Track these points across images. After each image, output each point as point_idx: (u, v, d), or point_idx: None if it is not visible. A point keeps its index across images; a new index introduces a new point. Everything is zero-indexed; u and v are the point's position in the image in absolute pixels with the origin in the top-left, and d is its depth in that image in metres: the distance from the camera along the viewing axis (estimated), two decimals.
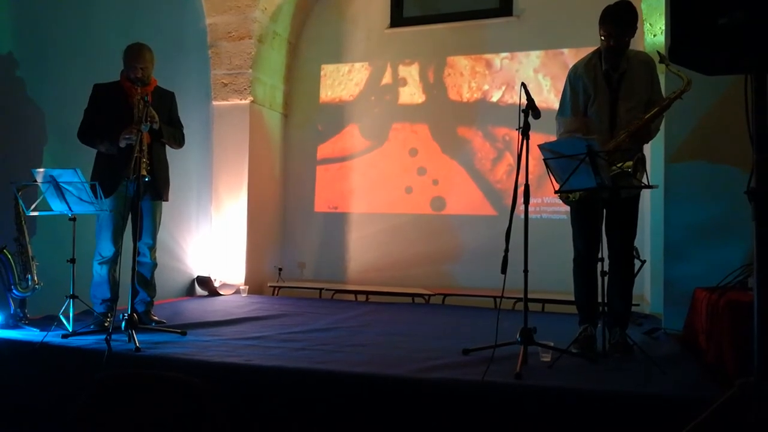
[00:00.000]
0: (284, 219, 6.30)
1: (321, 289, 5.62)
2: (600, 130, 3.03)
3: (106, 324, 3.40)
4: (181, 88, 4.37)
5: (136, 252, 3.46)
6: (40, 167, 3.42)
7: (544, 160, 2.86)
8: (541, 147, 2.87)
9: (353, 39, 6.14)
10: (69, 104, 3.77)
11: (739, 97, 1.94)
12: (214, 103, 5.73)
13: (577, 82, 3.15)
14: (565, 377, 2.53)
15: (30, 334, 3.26)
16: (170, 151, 3.85)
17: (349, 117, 6.12)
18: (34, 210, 3.33)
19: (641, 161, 2.84)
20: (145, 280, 3.73)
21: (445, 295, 5.26)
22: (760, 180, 1.84)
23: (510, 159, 5.56)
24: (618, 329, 3.07)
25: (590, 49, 3.20)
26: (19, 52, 3.83)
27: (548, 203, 5.36)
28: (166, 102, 3.77)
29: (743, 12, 1.72)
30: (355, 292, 5.50)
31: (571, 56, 5.26)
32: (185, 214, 5.34)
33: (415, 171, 5.88)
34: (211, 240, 5.67)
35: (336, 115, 6.16)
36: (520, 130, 2.88)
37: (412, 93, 5.92)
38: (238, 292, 5.54)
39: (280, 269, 6.04)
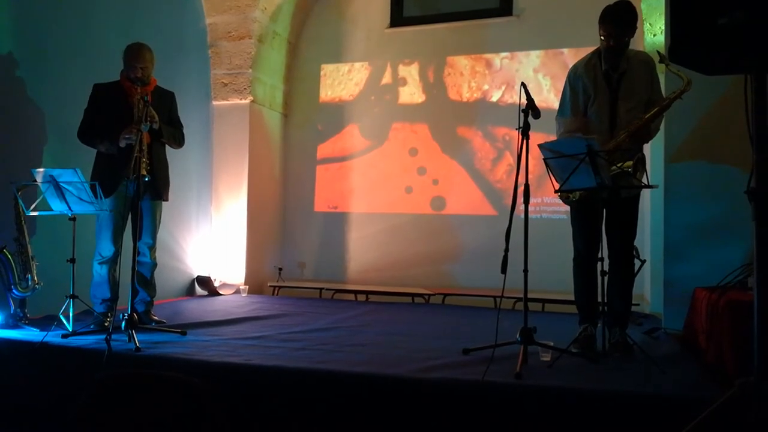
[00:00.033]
0: (284, 219, 6.30)
1: (321, 289, 5.62)
2: (600, 130, 3.03)
3: (106, 324, 3.40)
4: (181, 87, 4.37)
5: (136, 252, 3.46)
6: (40, 167, 3.42)
7: (544, 159, 2.86)
8: (541, 146, 2.86)
9: (353, 39, 6.13)
10: (69, 104, 3.77)
11: (739, 97, 1.94)
12: (214, 102, 5.73)
13: (576, 82, 3.15)
14: (565, 377, 2.53)
15: (30, 334, 3.26)
16: (170, 151, 3.85)
17: (349, 117, 6.12)
18: (34, 210, 3.33)
19: (641, 161, 2.83)
20: (145, 280, 3.73)
21: (445, 295, 5.26)
22: (760, 180, 1.84)
23: (510, 159, 5.56)
24: (618, 329, 3.07)
25: (590, 49, 3.20)
26: (19, 52, 3.83)
27: (548, 203, 5.36)
28: (166, 102, 3.77)
29: (743, 12, 1.72)
30: (355, 292, 5.51)
31: (571, 56, 5.26)
32: (185, 214, 5.33)
33: (415, 171, 5.88)
34: (211, 240, 5.67)
35: (336, 115, 6.16)
36: (520, 129, 2.88)
37: (412, 93, 5.92)
38: (238, 291, 5.54)
39: (280, 269, 6.04)
